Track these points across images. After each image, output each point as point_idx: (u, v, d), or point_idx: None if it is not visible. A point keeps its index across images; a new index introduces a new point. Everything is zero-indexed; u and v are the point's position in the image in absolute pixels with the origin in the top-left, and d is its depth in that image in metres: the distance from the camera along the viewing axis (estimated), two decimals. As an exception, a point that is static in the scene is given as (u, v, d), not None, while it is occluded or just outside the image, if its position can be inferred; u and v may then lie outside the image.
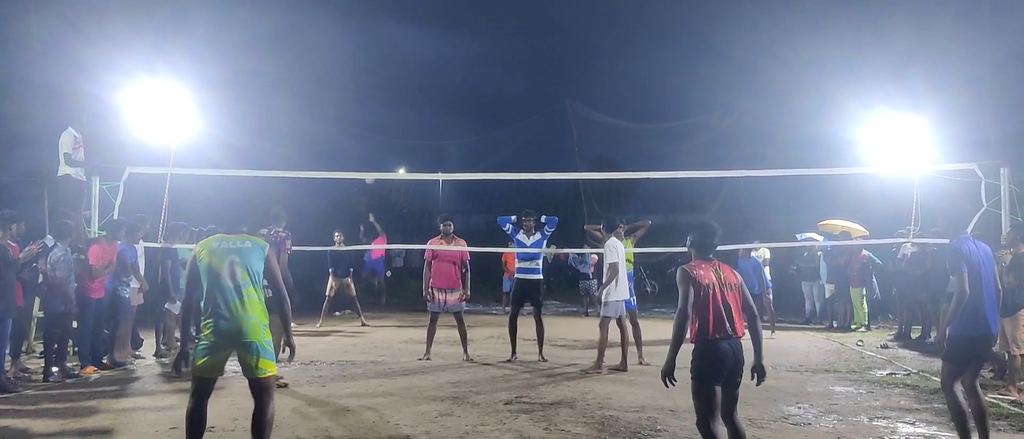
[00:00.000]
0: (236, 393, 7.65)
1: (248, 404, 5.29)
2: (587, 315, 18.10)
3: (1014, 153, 11.71)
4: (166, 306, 11.34)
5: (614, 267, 9.84)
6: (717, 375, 4.96)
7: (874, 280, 15.32)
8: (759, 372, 5.13)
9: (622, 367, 9.90)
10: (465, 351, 10.92)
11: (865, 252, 15.01)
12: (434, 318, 11.12)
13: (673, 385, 4.99)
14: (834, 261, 15.47)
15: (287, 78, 26.86)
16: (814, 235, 16.53)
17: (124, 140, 12.45)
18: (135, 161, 11.68)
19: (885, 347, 12.41)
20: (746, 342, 5.05)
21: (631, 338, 10.34)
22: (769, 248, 15.68)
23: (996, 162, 10.39)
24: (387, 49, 56.17)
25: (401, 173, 25.41)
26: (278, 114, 24.48)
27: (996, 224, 10.20)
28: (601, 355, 9.88)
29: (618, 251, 9.97)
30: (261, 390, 5.12)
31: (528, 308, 11.21)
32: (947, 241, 11.41)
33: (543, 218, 11.35)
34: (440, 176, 16.18)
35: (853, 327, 14.92)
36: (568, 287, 23.54)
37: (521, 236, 11.20)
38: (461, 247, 11.11)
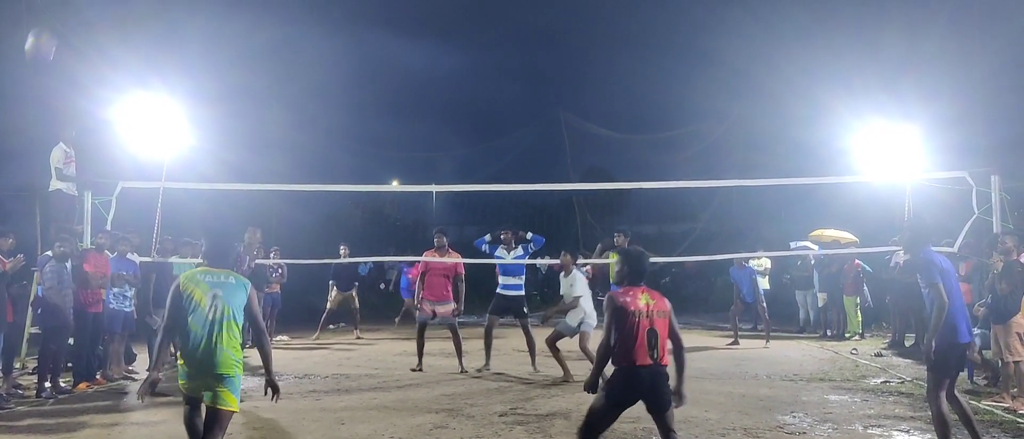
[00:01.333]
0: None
1: (238, 418, 5.27)
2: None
3: (1004, 161, 11.77)
4: (145, 320, 11.26)
5: (576, 301, 9.96)
6: (627, 400, 5.08)
7: (866, 288, 15.34)
8: (677, 397, 5.15)
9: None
10: (460, 363, 10.90)
11: (858, 261, 15.04)
12: (422, 328, 11.11)
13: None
14: (827, 270, 15.49)
15: (280, 91, 26.85)
16: (808, 243, 16.56)
17: (117, 154, 12.43)
18: (128, 175, 11.64)
19: (879, 355, 12.42)
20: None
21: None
22: (768, 257, 15.72)
23: (986, 170, 10.43)
24: (380, 62, 56.29)
25: (394, 185, 25.44)
26: (271, 127, 24.50)
27: (987, 232, 10.24)
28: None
29: (583, 284, 10.14)
30: (215, 422, 4.99)
31: (510, 320, 11.38)
32: (937, 250, 11.51)
33: (528, 235, 11.26)
34: (433, 188, 16.23)
35: (847, 335, 14.92)
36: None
37: (501, 251, 11.18)
38: (454, 260, 11.11)
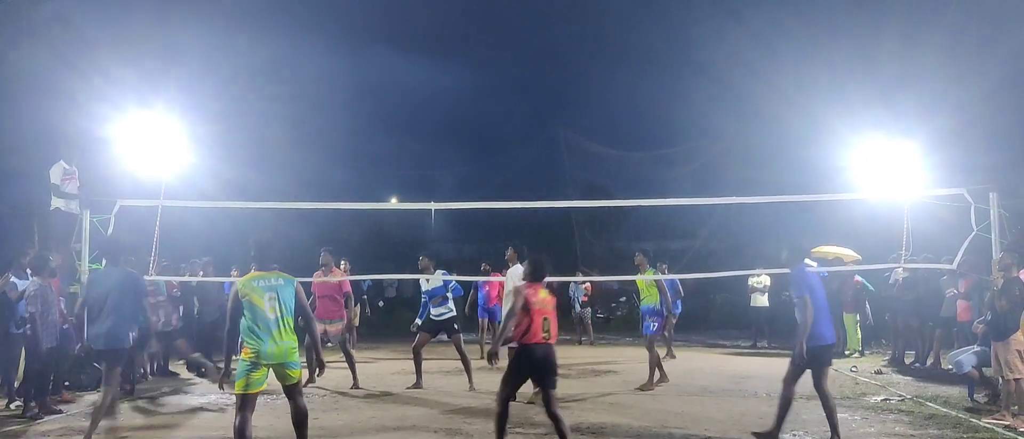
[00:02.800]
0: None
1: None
2: (581, 343, 18.05)
3: (1003, 178, 11.78)
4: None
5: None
6: (528, 372, 6.76)
7: (867, 306, 15.31)
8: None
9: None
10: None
11: (858, 278, 15.02)
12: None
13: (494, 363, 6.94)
14: (827, 287, 15.44)
15: (280, 109, 26.95)
16: (807, 260, 16.53)
17: (115, 173, 12.43)
18: (126, 194, 11.63)
19: (879, 373, 12.39)
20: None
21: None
22: (768, 274, 15.69)
23: (985, 187, 10.43)
24: (379, 79, 56.50)
25: (393, 203, 25.43)
26: (271, 145, 24.54)
27: (986, 249, 10.24)
28: None
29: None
30: (295, 391, 6.31)
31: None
32: (936, 266, 11.51)
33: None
34: (432, 206, 16.21)
35: (847, 353, 14.89)
36: (561, 315, 23.52)
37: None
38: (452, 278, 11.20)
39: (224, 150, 17.71)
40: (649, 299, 11.03)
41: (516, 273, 9.65)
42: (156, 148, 11.62)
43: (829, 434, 7.56)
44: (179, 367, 12.93)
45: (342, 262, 15.28)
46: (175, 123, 11.91)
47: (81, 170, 11.27)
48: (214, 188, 15.44)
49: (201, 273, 12.73)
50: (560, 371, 12.50)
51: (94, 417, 7.20)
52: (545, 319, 6.61)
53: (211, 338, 13.44)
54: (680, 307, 15.55)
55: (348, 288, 11.67)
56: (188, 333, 12.64)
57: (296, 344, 6.24)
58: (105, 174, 12.55)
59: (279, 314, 6.12)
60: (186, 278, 12.66)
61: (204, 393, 10.80)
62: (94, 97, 13.26)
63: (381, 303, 21.14)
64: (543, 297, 6.75)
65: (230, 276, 14.13)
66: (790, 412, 7.50)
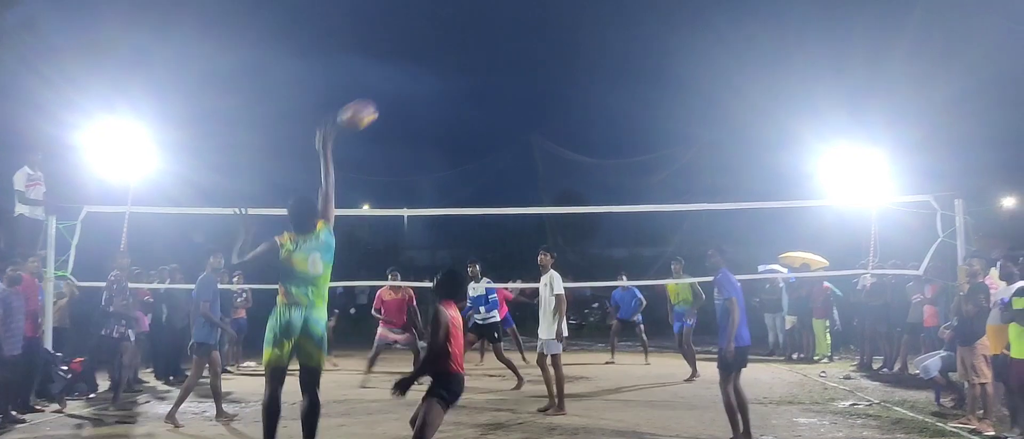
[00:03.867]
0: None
1: None
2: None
3: (968, 185, 11.98)
4: (103, 332, 11.01)
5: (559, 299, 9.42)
6: (455, 402, 5.72)
7: (835, 311, 15.47)
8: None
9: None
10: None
11: (827, 283, 15.17)
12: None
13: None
14: (796, 292, 15.60)
15: (250, 114, 26.75)
16: (777, 266, 16.68)
17: (82, 179, 12.29)
18: (93, 200, 11.49)
19: (848, 378, 12.50)
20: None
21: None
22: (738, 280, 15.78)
23: (950, 194, 10.59)
24: (351, 85, 56.24)
25: (366, 209, 25.32)
26: (240, 150, 24.33)
27: (952, 255, 10.39)
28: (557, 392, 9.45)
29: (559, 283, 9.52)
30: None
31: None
32: (903, 272, 11.67)
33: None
34: (405, 212, 16.17)
35: (816, 358, 15.02)
36: (533, 322, 23.49)
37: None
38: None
39: (193, 155, 17.53)
40: (684, 303, 12.64)
41: (555, 279, 9.53)
42: (123, 154, 11.51)
43: (800, 437, 7.63)
44: (147, 375, 12.77)
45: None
46: (143, 129, 11.80)
47: (46, 176, 11.11)
48: (183, 194, 15.28)
49: (168, 280, 12.57)
50: (535, 375, 12.63)
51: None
52: (459, 343, 5.80)
53: (180, 346, 13.26)
54: (641, 318, 15.65)
55: (413, 302, 12.54)
56: (158, 340, 12.48)
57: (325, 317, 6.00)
58: (71, 180, 12.40)
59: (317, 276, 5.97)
60: (155, 285, 12.50)
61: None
62: (60, 103, 13.09)
63: (353, 310, 20.97)
64: (454, 316, 5.84)
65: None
66: (749, 413, 7.69)
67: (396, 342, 12.47)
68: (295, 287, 5.86)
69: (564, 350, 9.62)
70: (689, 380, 12.18)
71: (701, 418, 9.05)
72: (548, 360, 9.41)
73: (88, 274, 10.94)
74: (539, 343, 9.56)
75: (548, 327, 9.43)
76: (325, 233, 6.08)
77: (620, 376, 12.87)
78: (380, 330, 12.32)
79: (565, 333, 9.47)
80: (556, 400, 9.34)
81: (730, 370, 7.58)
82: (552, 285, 9.43)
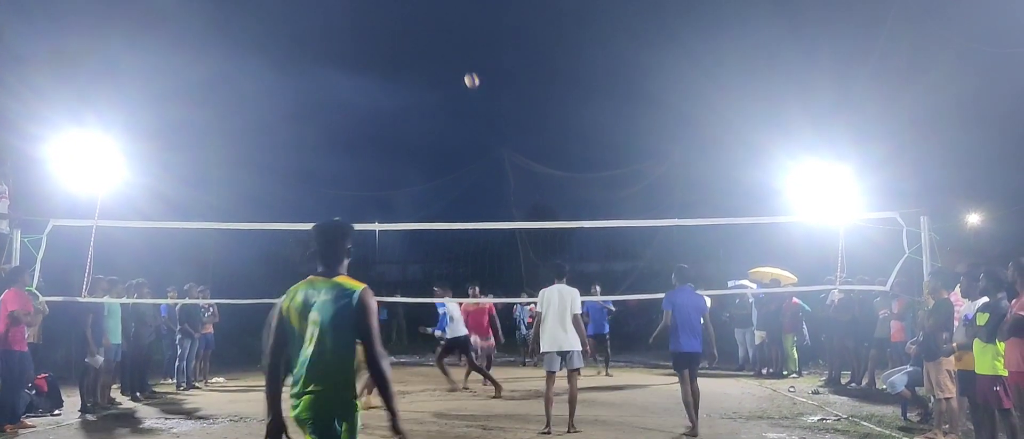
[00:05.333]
0: None
1: None
2: (524, 364, 18.01)
3: (933, 202, 12.18)
4: (86, 360, 10.94)
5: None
6: None
7: (804, 327, 15.60)
8: None
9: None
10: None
11: (796, 299, 15.30)
12: None
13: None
14: (765, 308, 15.72)
15: (220, 126, 26.59)
16: (746, 282, 16.82)
17: (49, 191, 12.11)
18: (60, 213, 11.32)
19: (816, 393, 12.61)
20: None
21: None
22: (708, 295, 15.90)
23: (916, 211, 10.74)
24: (322, 99, 56.08)
25: (337, 223, 25.12)
26: (211, 164, 24.10)
27: (918, 271, 10.54)
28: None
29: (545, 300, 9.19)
30: None
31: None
32: (870, 288, 11.82)
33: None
34: (377, 226, 16.05)
35: (785, 373, 15.13)
36: (505, 336, 23.46)
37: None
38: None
39: (162, 168, 17.36)
40: None
41: (563, 292, 9.19)
42: (91, 166, 11.34)
43: None
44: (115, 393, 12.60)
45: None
46: (111, 141, 11.64)
47: (12, 189, 10.95)
48: (151, 207, 15.11)
49: (136, 295, 12.42)
50: (511, 392, 12.60)
51: None
52: None
53: (147, 361, 13.11)
54: (607, 328, 15.72)
55: (493, 311, 14.03)
56: (126, 356, 12.30)
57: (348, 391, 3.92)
58: (37, 193, 12.22)
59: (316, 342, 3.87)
60: (123, 299, 12.34)
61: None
62: (25, 114, 12.91)
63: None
64: None
65: (167, 298, 13.83)
66: (697, 410, 8.97)
67: (486, 348, 13.64)
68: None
69: (536, 364, 9.61)
70: None
71: (672, 432, 9.08)
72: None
73: (54, 289, 10.77)
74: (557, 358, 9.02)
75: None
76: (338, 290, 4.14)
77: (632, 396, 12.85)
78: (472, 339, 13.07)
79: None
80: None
81: (677, 369, 9.08)
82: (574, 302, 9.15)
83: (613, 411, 10.87)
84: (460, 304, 12.99)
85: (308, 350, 3.81)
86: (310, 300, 3.89)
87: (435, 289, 13.19)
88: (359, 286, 3.93)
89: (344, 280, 3.97)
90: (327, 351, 3.79)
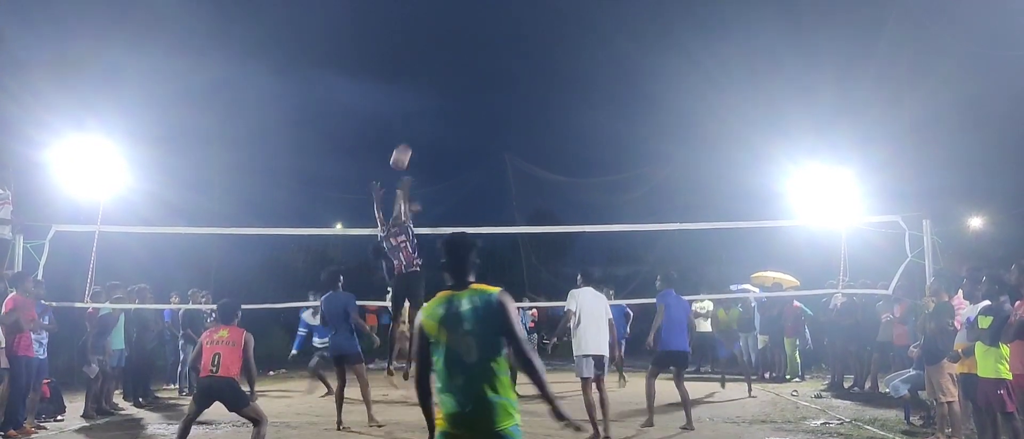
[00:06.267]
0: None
1: None
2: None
3: (935, 206, 12.16)
4: (83, 369, 10.95)
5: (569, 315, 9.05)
6: (200, 401, 7.53)
7: (806, 330, 15.58)
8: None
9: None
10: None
11: (797, 303, 15.28)
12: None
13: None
14: (767, 312, 15.71)
15: (223, 131, 26.56)
16: (749, 286, 16.80)
17: (51, 197, 12.12)
18: (62, 219, 11.34)
19: (819, 397, 12.59)
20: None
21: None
22: (711, 300, 15.91)
23: (918, 214, 10.75)
24: (324, 103, 56.10)
25: (338, 228, 25.15)
26: (213, 168, 24.12)
27: (921, 274, 10.53)
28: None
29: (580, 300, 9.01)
30: None
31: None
32: (873, 291, 11.80)
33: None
34: (379, 231, 15.99)
35: (788, 377, 15.11)
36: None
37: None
38: None
39: (165, 174, 17.37)
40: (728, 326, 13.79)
41: (598, 295, 9.19)
42: (93, 172, 11.36)
43: None
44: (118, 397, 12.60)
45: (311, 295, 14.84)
46: (113, 146, 11.66)
47: (14, 194, 10.96)
48: (154, 212, 15.11)
49: (137, 301, 12.43)
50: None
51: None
52: (216, 354, 7.31)
53: (150, 367, 13.11)
54: (627, 330, 15.65)
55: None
56: (128, 361, 12.31)
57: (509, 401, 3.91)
58: (40, 198, 12.23)
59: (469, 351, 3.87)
60: (125, 305, 12.34)
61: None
62: (28, 120, 12.94)
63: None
64: (221, 336, 7.44)
65: (169, 303, 13.85)
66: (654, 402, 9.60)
67: None
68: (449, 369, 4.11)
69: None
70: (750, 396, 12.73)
71: (673, 437, 9.06)
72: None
73: (56, 295, 10.79)
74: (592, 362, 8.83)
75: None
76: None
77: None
78: None
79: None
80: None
81: (658, 367, 9.61)
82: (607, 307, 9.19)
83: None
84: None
85: (463, 359, 3.85)
86: (453, 312, 3.93)
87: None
88: (495, 289, 4.01)
89: (479, 287, 4.04)
90: (482, 357, 3.85)
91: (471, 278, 4.08)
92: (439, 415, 3.88)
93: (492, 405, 3.81)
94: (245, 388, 7.49)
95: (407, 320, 10.61)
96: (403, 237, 9.52)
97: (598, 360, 8.85)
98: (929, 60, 17.08)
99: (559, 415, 3.92)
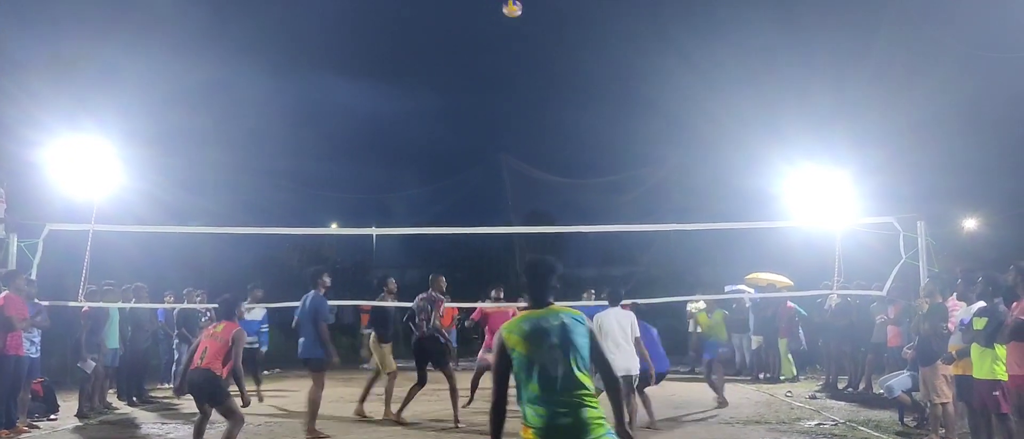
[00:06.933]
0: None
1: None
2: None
3: (930, 207, 12.18)
4: (78, 365, 10.92)
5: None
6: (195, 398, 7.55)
7: (800, 331, 15.59)
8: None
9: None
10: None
11: (791, 303, 15.29)
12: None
13: None
14: (762, 313, 15.71)
15: (218, 131, 26.51)
16: (743, 287, 16.81)
17: (45, 196, 12.09)
18: (56, 217, 11.30)
19: (813, 398, 12.61)
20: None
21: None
22: (705, 300, 15.94)
23: (913, 216, 10.76)
24: (320, 103, 56.07)
25: (334, 228, 25.13)
26: (208, 168, 24.11)
27: (915, 276, 10.55)
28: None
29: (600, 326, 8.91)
30: None
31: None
32: (867, 293, 11.81)
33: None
34: (374, 231, 16.04)
35: (782, 378, 15.12)
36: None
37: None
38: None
39: (159, 173, 17.33)
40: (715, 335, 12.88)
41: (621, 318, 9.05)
42: (88, 171, 11.31)
43: None
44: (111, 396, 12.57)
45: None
46: (108, 145, 11.62)
47: (8, 193, 10.92)
48: (148, 212, 15.08)
49: (133, 299, 12.40)
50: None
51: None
52: (205, 348, 7.38)
53: (144, 367, 13.08)
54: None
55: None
56: (122, 360, 12.28)
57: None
58: (34, 197, 12.20)
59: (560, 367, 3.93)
60: (119, 304, 12.32)
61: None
62: (23, 119, 12.90)
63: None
64: (217, 331, 7.53)
65: (164, 302, 13.82)
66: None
67: None
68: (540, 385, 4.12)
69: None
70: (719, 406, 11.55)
71: (668, 437, 9.06)
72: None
73: (50, 293, 10.76)
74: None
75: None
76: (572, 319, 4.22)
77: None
78: (482, 354, 11.58)
79: None
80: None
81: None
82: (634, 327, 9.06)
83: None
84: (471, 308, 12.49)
85: (553, 373, 3.89)
86: (540, 328, 3.99)
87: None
88: (581, 312, 4.16)
89: (562, 308, 4.14)
90: (573, 370, 3.91)
91: (551, 299, 4.16)
92: (528, 431, 3.88)
93: (588, 416, 3.87)
94: (233, 388, 7.46)
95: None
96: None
97: (624, 380, 8.49)
98: (924, 63, 17.16)
99: (623, 430, 4.02)
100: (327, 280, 9.78)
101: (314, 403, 9.30)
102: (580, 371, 3.92)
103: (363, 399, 10.85)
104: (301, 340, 9.47)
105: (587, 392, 3.91)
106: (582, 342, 3.98)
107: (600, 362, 4.08)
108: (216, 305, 8.87)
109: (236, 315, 7.77)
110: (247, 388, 7.65)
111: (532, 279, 4.21)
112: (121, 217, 12.65)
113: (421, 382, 10.06)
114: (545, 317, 4.04)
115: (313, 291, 9.55)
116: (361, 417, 10.47)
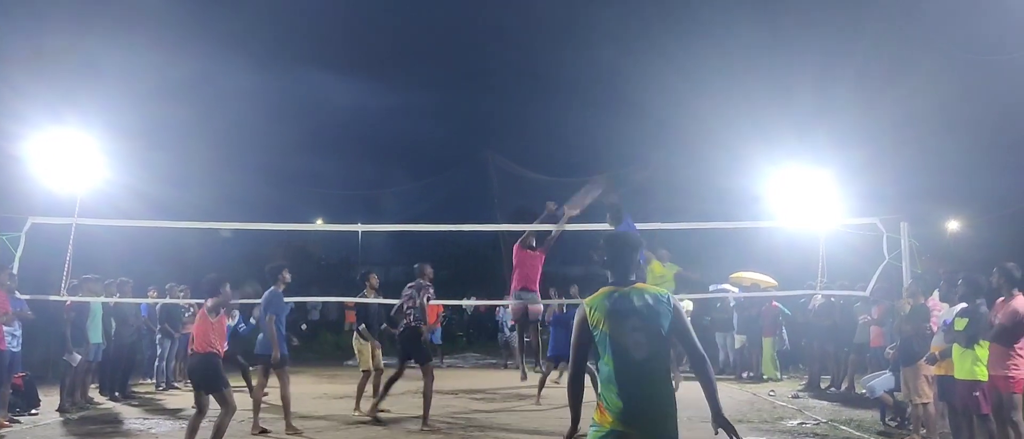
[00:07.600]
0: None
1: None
2: (507, 367, 18.03)
3: (913, 209, 12.26)
4: (64, 358, 10.85)
5: None
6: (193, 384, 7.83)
7: (784, 331, 15.68)
8: None
9: None
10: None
11: (775, 303, 15.37)
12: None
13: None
14: (746, 312, 15.79)
15: (202, 126, 26.42)
16: (727, 286, 16.89)
17: (27, 190, 11.97)
18: (39, 211, 11.20)
19: (796, 397, 12.68)
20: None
21: None
22: (691, 299, 16.00)
23: (896, 217, 10.83)
24: (306, 99, 55.92)
25: (319, 224, 25.08)
26: (192, 162, 23.97)
27: (898, 277, 10.62)
28: None
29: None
30: None
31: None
32: (850, 293, 11.88)
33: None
34: (359, 227, 15.98)
35: (765, 377, 15.21)
36: (488, 339, 23.46)
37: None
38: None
39: (144, 167, 17.17)
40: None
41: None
42: (71, 164, 11.22)
43: None
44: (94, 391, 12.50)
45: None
46: (91, 139, 11.52)
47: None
48: (132, 206, 14.95)
49: (117, 294, 12.32)
50: (485, 395, 12.64)
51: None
52: (191, 335, 7.88)
53: (129, 362, 13.00)
54: None
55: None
56: (106, 355, 12.19)
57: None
58: (16, 190, 12.07)
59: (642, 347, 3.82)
60: (103, 299, 12.24)
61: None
62: (4, 112, 12.78)
63: (304, 326, 20.71)
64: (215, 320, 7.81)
65: (147, 297, 13.74)
66: None
67: (535, 312, 11.45)
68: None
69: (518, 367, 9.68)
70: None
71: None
72: None
73: (32, 287, 10.68)
74: None
75: None
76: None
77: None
78: (516, 305, 11.31)
79: None
80: None
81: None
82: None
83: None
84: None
85: (635, 355, 3.80)
86: (622, 306, 3.88)
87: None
88: (665, 291, 4.01)
89: (646, 287, 3.99)
90: (655, 353, 3.83)
91: (634, 277, 4.03)
92: (605, 414, 3.79)
93: (668, 405, 3.86)
94: (230, 374, 7.61)
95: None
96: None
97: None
98: (907, 64, 17.27)
99: (721, 422, 3.96)
100: (287, 276, 9.59)
101: (285, 400, 9.33)
102: (663, 353, 3.86)
103: (359, 398, 10.86)
104: (260, 337, 9.49)
105: (667, 379, 3.87)
106: (666, 323, 3.85)
107: (686, 341, 3.94)
108: (199, 301, 8.82)
109: (222, 293, 7.78)
110: (243, 383, 7.74)
111: (615, 255, 4.05)
112: (104, 211, 12.55)
113: (398, 375, 9.93)
114: (629, 296, 3.90)
115: (272, 287, 9.44)
116: (374, 418, 10.17)
